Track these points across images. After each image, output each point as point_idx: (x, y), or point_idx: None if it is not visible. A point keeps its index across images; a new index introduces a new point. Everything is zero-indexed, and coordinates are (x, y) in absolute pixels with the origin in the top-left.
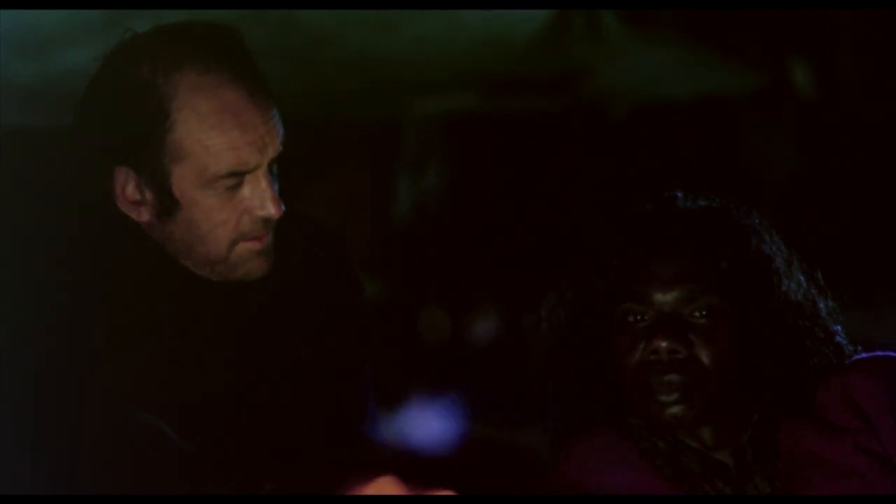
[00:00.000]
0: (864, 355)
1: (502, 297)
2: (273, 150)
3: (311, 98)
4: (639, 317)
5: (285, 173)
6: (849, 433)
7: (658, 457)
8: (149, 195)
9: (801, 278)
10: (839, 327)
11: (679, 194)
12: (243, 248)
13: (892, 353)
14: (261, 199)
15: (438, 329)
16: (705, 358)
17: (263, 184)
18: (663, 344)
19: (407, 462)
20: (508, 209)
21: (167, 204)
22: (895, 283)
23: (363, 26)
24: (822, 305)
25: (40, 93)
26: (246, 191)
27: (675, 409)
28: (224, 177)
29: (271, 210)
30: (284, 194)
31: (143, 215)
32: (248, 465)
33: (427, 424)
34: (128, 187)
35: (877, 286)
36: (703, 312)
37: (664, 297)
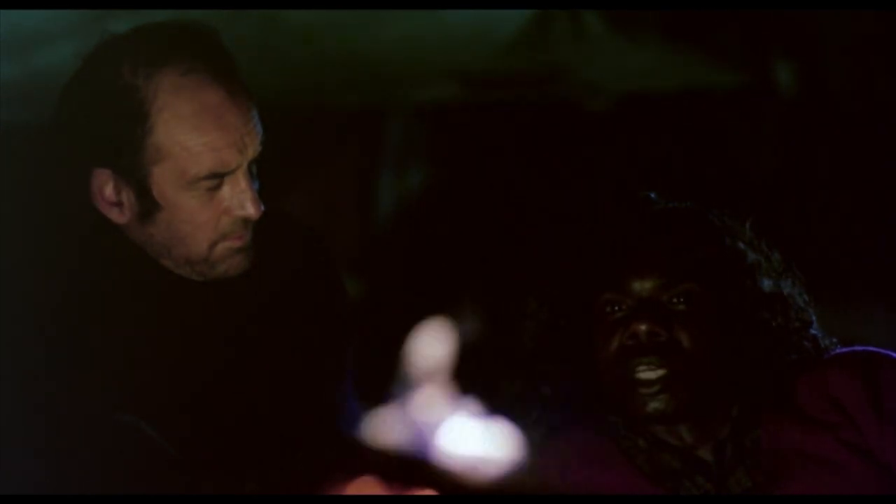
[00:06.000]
0: (841, 350)
1: (485, 294)
2: (253, 150)
3: (293, 97)
4: (617, 307)
5: (267, 172)
6: (829, 427)
7: (638, 454)
8: (128, 197)
9: (777, 273)
10: (815, 321)
11: (652, 195)
12: (223, 246)
13: (870, 348)
14: (240, 199)
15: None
16: (685, 342)
17: (243, 184)
18: (643, 327)
19: (388, 461)
20: (491, 208)
21: (147, 205)
22: (879, 281)
23: (347, 25)
24: (798, 301)
25: (23, 91)
26: (226, 191)
27: (657, 403)
28: (204, 178)
29: (251, 210)
30: (265, 193)
31: (123, 217)
32: (230, 465)
33: (411, 423)
34: (107, 189)
35: (861, 284)
36: (682, 299)
37: (642, 285)
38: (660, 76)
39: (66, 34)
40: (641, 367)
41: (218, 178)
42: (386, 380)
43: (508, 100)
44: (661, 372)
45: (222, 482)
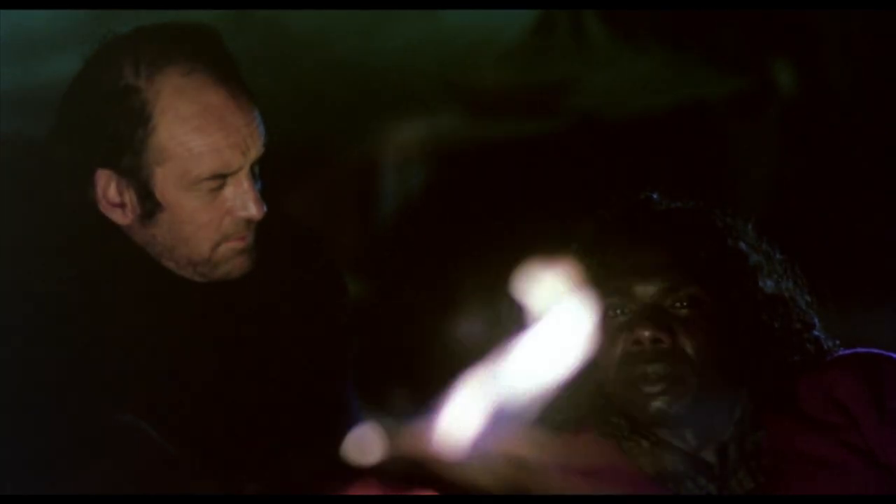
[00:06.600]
0: (844, 352)
1: (486, 295)
2: (255, 151)
3: (296, 101)
4: (619, 311)
5: (270, 174)
6: (831, 428)
7: (640, 455)
8: (131, 198)
9: (780, 275)
10: (818, 323)
11: (654, 195)
12: (226, 247)
13: (872, 350)
14: (243, 200)
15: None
16: (689, 348)
17: (245, 185)
18: (646, 333)
19: (389, 461)
20: (493, 209)
21: (149, 206)
22: (880, 282)
23: (347, 32)
24: (800, 302)
25: (24, 98)
26: (228, 192)
27: (660, 402)
28: (207, 179)
29: (253, 211)
30: (268, 195)
31: (125, 218)
32: (231, 465)
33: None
34: (109, 190)
35: (862, 285)
36: (685, 303)
37: (645, 289)
38: (663, 84)
39: (68, 41)
40: (646, 373)
41: (220, 178)
42: (386, 380)
43: (509, 105)
44: (664, 377)
45: (222, 482)
